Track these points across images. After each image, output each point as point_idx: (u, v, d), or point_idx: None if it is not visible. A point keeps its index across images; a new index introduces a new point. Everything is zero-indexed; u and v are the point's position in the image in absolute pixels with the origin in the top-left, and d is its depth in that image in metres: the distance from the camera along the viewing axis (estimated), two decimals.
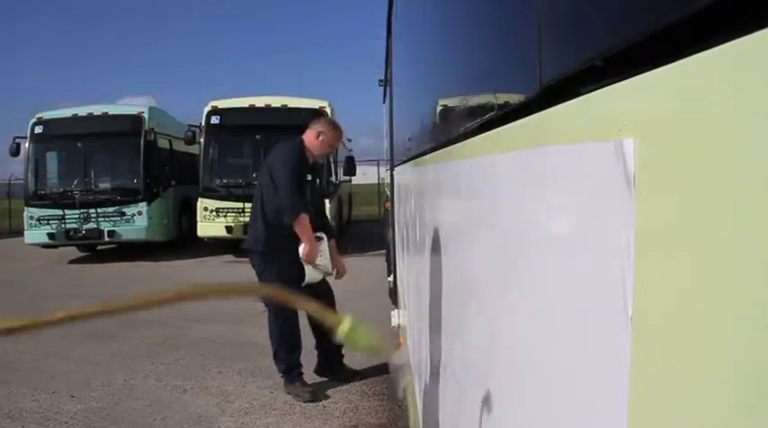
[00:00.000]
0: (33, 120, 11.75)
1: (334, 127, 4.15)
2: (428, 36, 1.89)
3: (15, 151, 12.02)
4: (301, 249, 3.84)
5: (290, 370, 4.01)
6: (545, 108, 0.59)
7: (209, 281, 7.34)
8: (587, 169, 0.48)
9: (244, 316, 6.25)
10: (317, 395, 3.96)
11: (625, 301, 0.39)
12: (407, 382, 1.76)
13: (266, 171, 3.94)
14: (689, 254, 0.33)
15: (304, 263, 3.88)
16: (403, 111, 3.71)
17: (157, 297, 1.00)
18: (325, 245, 4.03)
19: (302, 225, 3.82)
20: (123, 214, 11.39)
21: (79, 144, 11.70)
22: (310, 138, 4.00)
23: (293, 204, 3.78)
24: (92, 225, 11.30)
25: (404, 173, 3.69)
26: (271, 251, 3.89)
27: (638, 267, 0.38)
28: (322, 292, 4.10)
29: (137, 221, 11.44)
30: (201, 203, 11.20)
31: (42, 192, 11.73)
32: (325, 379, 4.24)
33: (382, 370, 4.45)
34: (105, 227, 11.34)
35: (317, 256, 3.91)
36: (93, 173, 11.71)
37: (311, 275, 3.95)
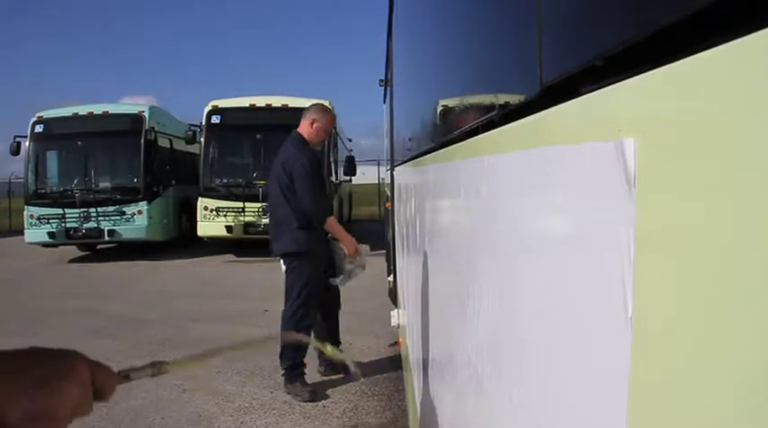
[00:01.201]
0: (34, 118, 11.77)
1: (327, 112, 4.17)
2: (429, 36, 1.89)
3: (16, 150, 12.04)
4: (345, 249, 4.03)
5: (293, 369, 4.00)
6: (545, 108, 0.59)
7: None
8: (587, 169, 0.48)
9: (243, 316, 6.26)
10: (316, 394, 3.96)
11: (625, 301, 0.39)
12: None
13: (283, 173, 3.93)
14: (689, 254, 0.33)
15: (344, 260, 4.06)
16: (403, 111, 3.72)
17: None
18: (363, 247, 4.21)
19: (332, 226, 4.00)
20: (123, 213, 11.40)
21: (80, 143, 11.72)
22: (306, 128, 4.05)
23: (320, 212, 3.95)
24: (92, 224, 11.31)
25: (404, 173, 3.69)
26: (313, 249, 3.97)
27: (637, 267, 0.38)
28: (331, 294, 4.16)
29: (137, 220, 11.45)
30: (202, 203, 11.21)
31: (43, 191, 11.74)
32: (325, 379, 4.24)
33: (382, 369, 4.46)
34: (105, 226, 11.36)
35: (359, 250, 4.09)
36: (93, 173, 11.74)
37: (347, 272, 4.10)
